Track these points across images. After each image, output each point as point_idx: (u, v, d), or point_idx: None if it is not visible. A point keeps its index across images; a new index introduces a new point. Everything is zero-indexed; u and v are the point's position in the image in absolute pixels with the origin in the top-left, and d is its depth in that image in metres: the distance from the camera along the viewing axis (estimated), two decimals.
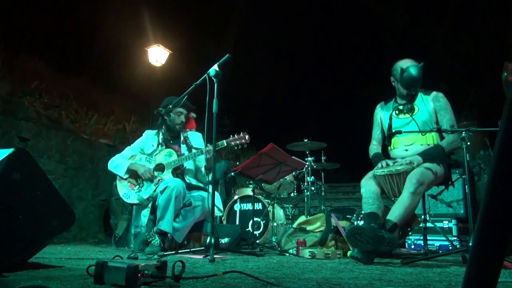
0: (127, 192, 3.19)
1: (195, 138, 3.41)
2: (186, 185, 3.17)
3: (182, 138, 3.38)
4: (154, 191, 3.06)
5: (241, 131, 3.13)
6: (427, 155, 2.64)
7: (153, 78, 8.83)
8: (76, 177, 4.93)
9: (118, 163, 3.26)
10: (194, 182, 3.27)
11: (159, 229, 2.86)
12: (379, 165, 2.72)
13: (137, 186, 3.17)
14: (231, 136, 3.11)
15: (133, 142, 3.51)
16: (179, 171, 3.23)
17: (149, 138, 3.42)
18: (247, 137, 3.09)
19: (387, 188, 2.63)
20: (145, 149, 3.38)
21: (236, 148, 3.12)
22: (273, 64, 11.78)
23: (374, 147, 3.02)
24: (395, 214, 2.42)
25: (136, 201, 3.15)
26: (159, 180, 3.12)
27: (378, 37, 11.16)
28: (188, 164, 3.25)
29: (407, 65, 2.81)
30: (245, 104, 11.42)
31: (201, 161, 3.23)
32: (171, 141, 3.39)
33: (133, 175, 3.20)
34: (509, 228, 0.61)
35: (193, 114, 3.49)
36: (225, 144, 3.04)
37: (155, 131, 3.44)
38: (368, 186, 2.64)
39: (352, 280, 1.55)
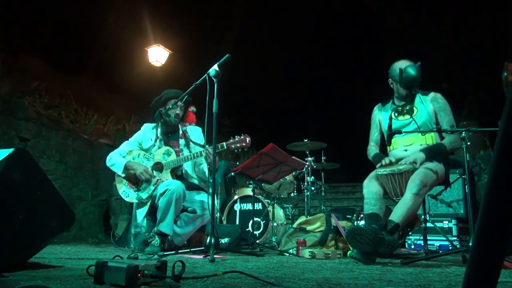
0: (125, 190, 3.17)
1: (195, 132, 3.37)
2: (186, 186, 3.16)
3: (181, 132, 3.35)
4: (153, 191, 3.05)
5: (242, 132, 3.02)
6: (430, 151, 2.64)
7: (153, 78, 8.84)
8: (76, 177, 4.93)
9: (115, 161, 3.20)
10: (195, 181, 3.25)
11: (159, 231, 2.86)
12: (382, 161, 2.71)
13: (136, 185, 3.15)
14: (231, 138, 3.00)
15: None
16: (178, 170, 3.21)
17: (147, 132, 3.37)
18: (248, 140, 2.95)
19: (389, 188, 2.63)
20: (143, 143, 3.33)
21: (236, 151, 3.04)
22: (273, 64, 11.78)
23: (373, 148, 3.01)
24: (397, 214, 2.42)
25: (135, 200, 3.13)
26: (157, 180, 3.10)
27: (378, 37, 11.15)
28: (187, 164, 3.23)
29: (405, 65, 2.79)
30: (245, 104, 11.42)
31: (201, 158, 3.19)
32: (169, 135, 3.33)
33: (131, 173, 3.15)
34: (509, 228, 0.61)
35: (192, 108, 3.45)
36: (225, 147, 2.94)
37: (154, 124, 3.38)
38: (370, 187, 2.64)
39: (352, 280, 1.55)
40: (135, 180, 3.16)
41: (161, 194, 2.88)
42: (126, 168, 3.14)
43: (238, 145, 2.94)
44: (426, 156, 2.61)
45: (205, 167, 3.19)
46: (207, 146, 2.99)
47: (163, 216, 2.86)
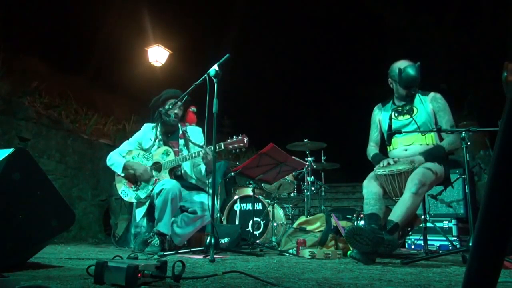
0: (125, 189, 3.18)
1: (195, 132, 3.36)
2: (186, 186, 3.17)
3: (180, 132, 3.34)
4: (151, 190, 3.06)
5: (240, 132, 3.00)
6: (429, 155, 2.64)
7: (153, 78, 8.84)
8: (76, 177, 4.93)
9: (114, 161, 3.21)
10: (194, 181, 3.26)
11: (158, 231, 2.87)
12: (381, 163, 2.72)
13: (135, 185, 3.17)
14: (229, 138, 2.98)
15: None
16: (177, 170, 3.21)
17: (147, 132, 3.37)
18: (245, 140, 2.93)
19: (389, 188, 2.63)
20: (143, 143, 3.33)
21: (234, 151, 2.98)
22: (273, 64, 11.79)
23: (372, 148, 3.01)
24: (396, 214, 2.42)
25: (133, 200, 3.16)
26: (156, 180, 3.11)
27: (378, 37, 11.16)
28: (186, 164, 3.23)
29: (405, 65, 2.80)
30: (245, 104, 11.42)
31: (198, 159, 3.19)
32: (169, 135, 3.34)
33: (131, 173, 3.16)
34: (509, 228, 0.61)
35: (193, 108, 3.45)
36: (223, 147, 2.92)
37: (154, 124, 3.38)
38: (370, 187, 2.64)
39: (352, 280, 1.55)
40: (134, 180, 3.17)
41: (157, 194, 2.90)
42: (125, 168, 3.15)
43: (235, 145, 2.93)
44: (425, 160, 2.62)
45: (202, 168, 3.19)
46: (204, 146, 2.99)
47: (160, 216, 2.87)
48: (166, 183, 2.93)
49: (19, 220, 1.61)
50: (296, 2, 12.05)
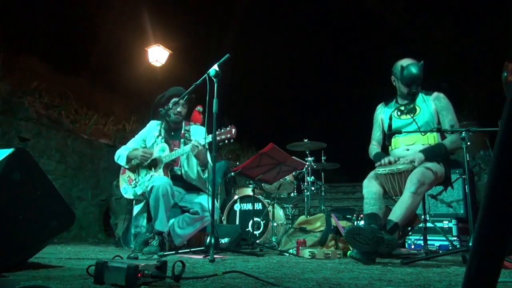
0: (126, 187, 3.24)
1: (198, 132, 3.33)
2: (186, 187, 3.17)
3: (183, 131, 3.34)
4: (147, 186, 3.07)
5: (242, 131, 2.92)
6: (429, 152, 2.64)
7: (153, 78, 8.84)
8: (76, 177, 4.93)
9: (120, 154, 3.29)
10: (195, 182, 3.24)
11: (155, 229, 2.88)
12: (382, 161, 2.72)
13: (134, 181, 3.21)
14: (218, 130, 2.85)
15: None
16: (176, 168, 3.21)
17: (152, 128, 3.38)
18: (233, 131, 2.80)
19: (388, 187, 2.63)
20: (147, 140, 3.35)
21: (221, 143, 2.85)
22: (273, 64, 11.77)
23: (375, 147, 3.01)
24: (396, 214, 2.42)
25: (131, 196, 3.19)
26: (151, 176, 3.14)
27: (378, 37, 11.14)
28: (185, 164, 3.22)
29: (407, 63, 2.82)
30: (245, 104, 11.41)
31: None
32: (172, 134, 3.34)
33: (132, 166, 3.22)
34: (509, 228, 0.61)
35: (199, 108, 3.45)
36: (211, 139, 2.80)
37: (159, 122, 3.37)
38: (370, 187, 2.64)
39: (352, 280, 1.55)
40: (134, 171, 3.22)
41: (149, 192, 2.92)
42: (128, 160, 3.22)
43: (223, 136, 2.82)
44: (425, 157, 2.61)
45: (199, 168, 3.17)
46: (193, 139, 3.00)
47: (155, 214, 2.89)
48: (156, 180, 2.95)
49: (19, 220, 1.61)
50: (296, 2, 12.05)
